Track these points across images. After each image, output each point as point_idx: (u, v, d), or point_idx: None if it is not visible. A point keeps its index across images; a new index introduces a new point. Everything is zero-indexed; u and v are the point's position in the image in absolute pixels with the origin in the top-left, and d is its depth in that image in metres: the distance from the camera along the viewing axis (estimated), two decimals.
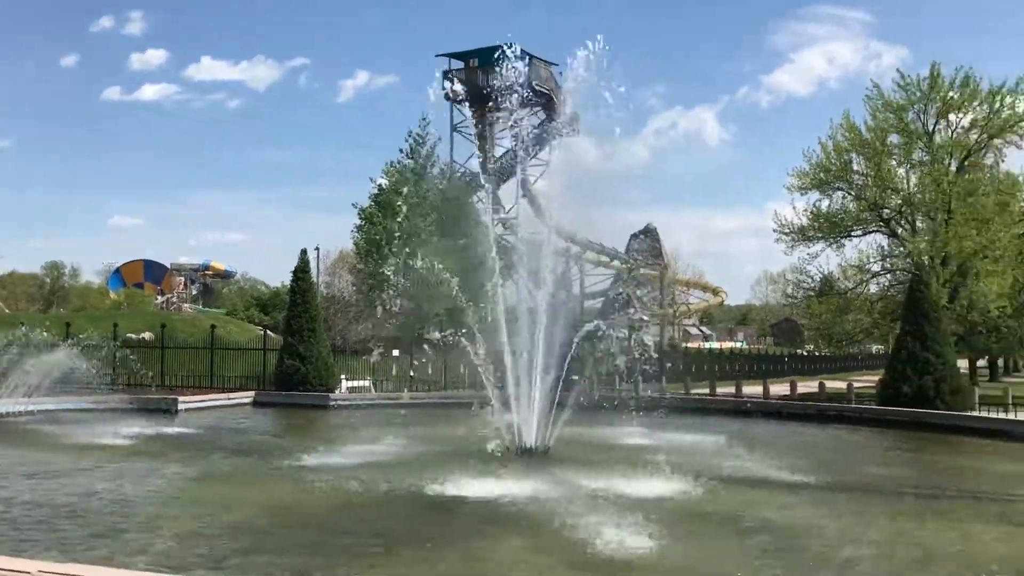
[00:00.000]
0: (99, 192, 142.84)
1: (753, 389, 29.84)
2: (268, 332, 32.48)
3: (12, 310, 68.85)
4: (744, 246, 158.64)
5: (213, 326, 30.12)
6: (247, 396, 23.06)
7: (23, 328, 21.00)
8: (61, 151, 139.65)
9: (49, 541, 8.00)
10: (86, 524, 8.74)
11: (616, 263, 66.55)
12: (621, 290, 65.40)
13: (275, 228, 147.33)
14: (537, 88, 52.78)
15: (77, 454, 13.69)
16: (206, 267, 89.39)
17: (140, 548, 7.81)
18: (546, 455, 13.16)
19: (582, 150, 16.34)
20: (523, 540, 8.42)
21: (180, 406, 20.38)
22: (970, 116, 31.29)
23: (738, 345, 79.75)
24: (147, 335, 32.49)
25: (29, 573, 5.66)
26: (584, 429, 15.10)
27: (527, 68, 51.16)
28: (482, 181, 37.44)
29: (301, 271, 25.02)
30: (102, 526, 8.67)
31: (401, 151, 41.29)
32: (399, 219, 37.30)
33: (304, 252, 25.48)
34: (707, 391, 29.80)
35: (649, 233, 69.39)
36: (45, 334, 21.53)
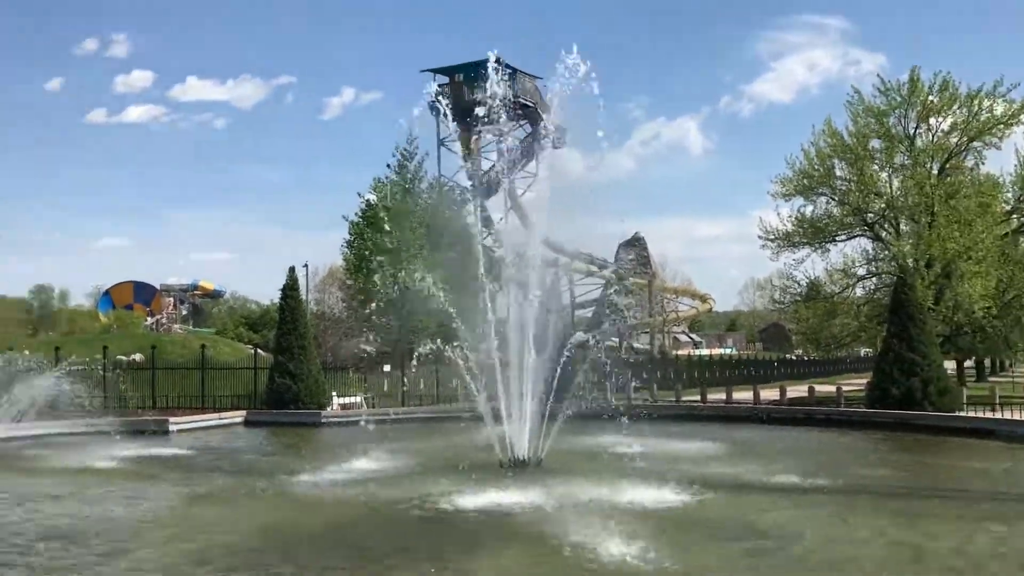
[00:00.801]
0: (87, 214, 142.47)
1: (743, 395, 29.96)
2: (258, 351, 32.45)
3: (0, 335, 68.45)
4: (730, 252, 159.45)
5: (203, 346, 30.09)
6: (238, 415, 23.01)
7: (11, 353, 20.97)
8: (48, 174, 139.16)
9: (31, 565, 8.06)
10: (72, 549, 8.76)
11: (605, 272, 66.73)
12: (610, 299, 65.56)
13: (263, 246, 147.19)
14: (522, 101, 53.01)
15: (67, 478, 13.70)
16: (195, 287, 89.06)
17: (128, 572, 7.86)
18: (539, 467, 13.20)
19: (568, 162, 16.50)
20: (518, 553, 8.48)
21: (172, 427, 20.34)
22: (950, 120, 31.57)
23: (727, 351, 79.93)
24: (138, 357, 32.38)
25: None
26: (577, 439, 15.17)
27: (512, 82, 51.46)
28: (469, 194, 37.53)
29: (290, 288, 25.03)
30: (89, 550, 8.69)
31: (388, 166, 41.40)
32: (386, 234, 37.35)
33: (293, 269, 25.51)
34: (697, 398, 29.91)
35: (637, 242, 69.65)
36: (33, 359, 21.52)
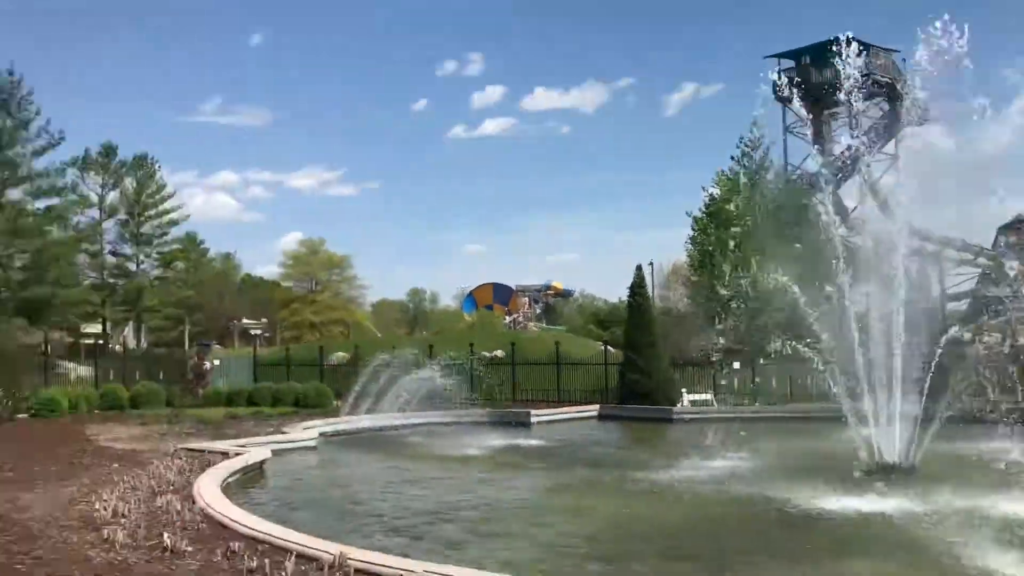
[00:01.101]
0: (451, 223, 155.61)
1: None
2: (607, 347, 33.30)
3: (383, 334, 77.29)
4: None
5: (557, 343, 31.46)
6: (593, 409, 23.81)
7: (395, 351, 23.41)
8: (418, 188, 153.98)
9: (416, 536, 8.88)
10: (452, 527, 9.52)
11: (981, 260, 59.95)
12: (990, 290, 58.79)
13: (608, 245, 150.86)
14: (877, 78, 49.33)
15: (446, 463, 15.08)
16: (547, 287, 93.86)
17: (505, 554, 8.37)
18: (911, 473, 12.17)
19: (934, 139, 15.03)
20: (889, 562, 7.89)
21: (532, 419, 21.51)
22: None
23: None
24: (499, 353, 34.63)
25: (414, 572, 6.32)
26: (955, 445, 13.74)
27: (865, 59, 48.06)
28: (821, 182, 35.59)
29: (637, 286, 25.45)
30: (467, 529, 9.40)
31: (732, 158, 40.55)
32: (731, 228, 36.65)
33: (639, 268, 25.91)
34: None
35: (1021, 224, 61.75)
36: (413, 355, 23.87)
